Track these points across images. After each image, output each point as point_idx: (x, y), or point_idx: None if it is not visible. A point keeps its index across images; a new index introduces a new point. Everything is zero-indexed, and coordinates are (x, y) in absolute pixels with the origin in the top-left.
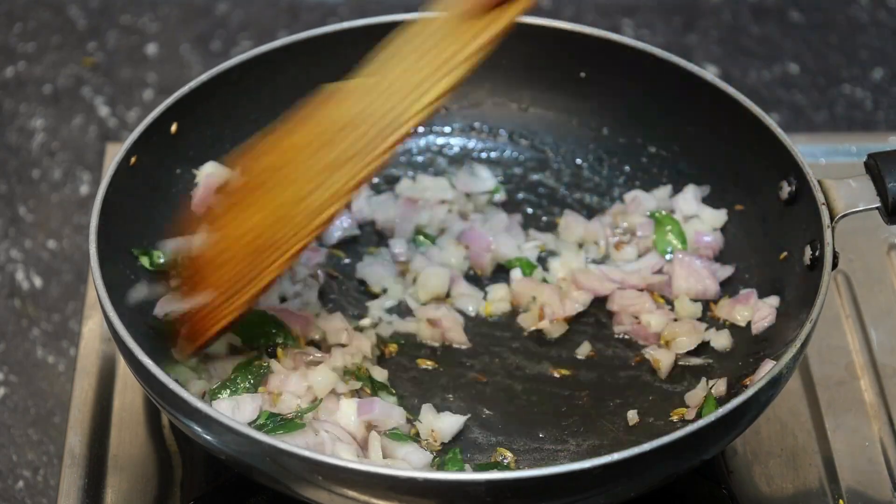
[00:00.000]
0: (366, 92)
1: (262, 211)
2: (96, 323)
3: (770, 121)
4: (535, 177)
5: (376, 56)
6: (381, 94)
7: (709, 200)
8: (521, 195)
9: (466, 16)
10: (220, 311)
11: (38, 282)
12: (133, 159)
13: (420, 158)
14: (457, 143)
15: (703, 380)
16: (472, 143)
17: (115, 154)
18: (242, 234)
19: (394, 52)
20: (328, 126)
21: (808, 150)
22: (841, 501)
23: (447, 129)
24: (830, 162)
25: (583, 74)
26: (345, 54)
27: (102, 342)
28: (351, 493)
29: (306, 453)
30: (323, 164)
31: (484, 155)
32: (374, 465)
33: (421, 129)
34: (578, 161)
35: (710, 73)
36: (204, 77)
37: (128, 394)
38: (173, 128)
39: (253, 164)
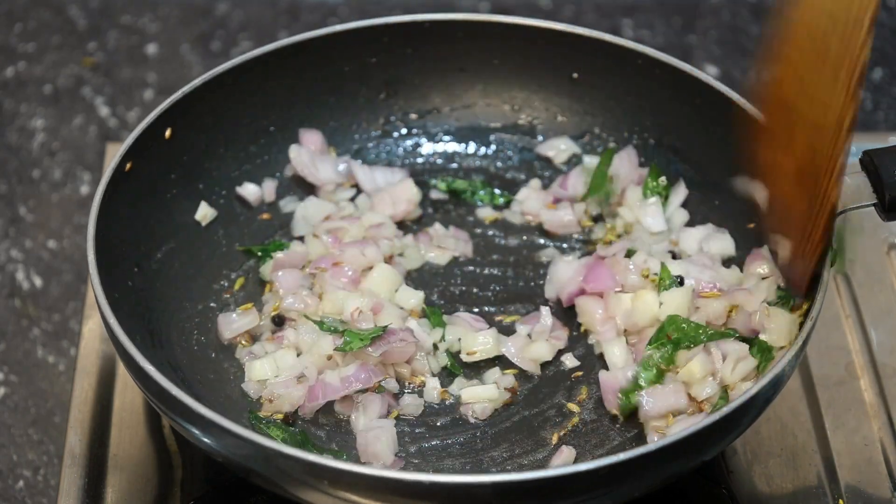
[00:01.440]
0: None
1: (797, 147)
2: (96, 323)
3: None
4: (522, 177)
5: None
6: None
7: (704, 199)
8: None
9: None
10: (806, 252)
11: (38, 282)
12: (129, 165)
13: (410, 161)
14: (449, 145)
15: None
16: (463, 145)
17: (114, 154)
18: (791, 177)
19: None
20: (814, 32)
21: None
22: (841, 501)
23: (439, 130)
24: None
25: (575, 75)
26: (345, 54)
27: (102, 342)
28: (355, 498)
29: (306, 456)
30: (827, 73)
31: (480, 154)
32: (378, 468)
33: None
34: (580, 160)
35: (703, 73)
36: (197, 82)
37: (128, 394)
38: (167, 133)
39: (771, 100)
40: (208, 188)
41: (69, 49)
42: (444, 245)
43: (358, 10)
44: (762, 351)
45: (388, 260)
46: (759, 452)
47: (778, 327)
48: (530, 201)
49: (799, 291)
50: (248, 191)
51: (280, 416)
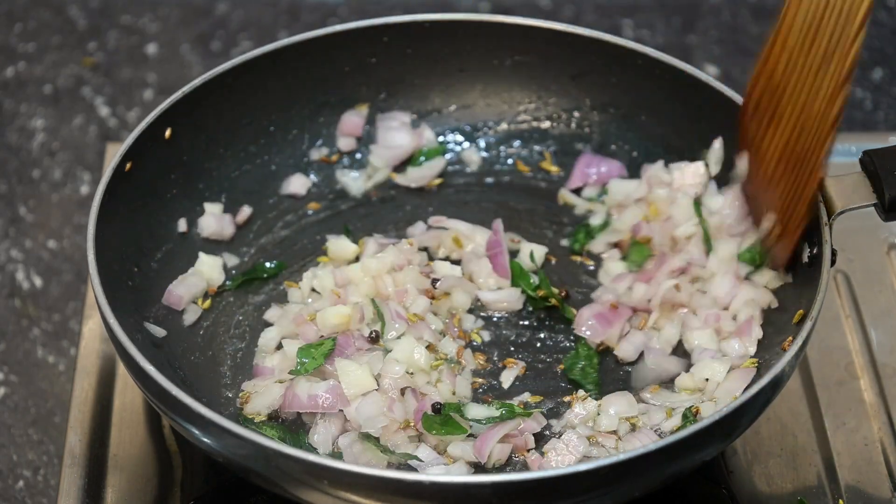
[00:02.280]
0: None
1: (784, 125)
2: (96, 323)
3: None
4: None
5: None
6: None
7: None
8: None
9: None
10: (788, 229)
11: (38, 282)
12: (128, 165)
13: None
14: (449, 144)
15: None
16: (464, 144)
17: (114, 154)
18: (777, 154)
19: None
20: (807, 23)
21: None
22: (841, 501)
23: (439, 130)
24: (830, 161)
25: (574, 74)
26: (345, 54)
27: (102, 342)
28: (355, 498)
29: (306, 456)
30: (817, 60)
31: (480, 155)
32: (378, 469)
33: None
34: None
35: (703, 73)
36: (197, 82)
37: (128, 394)
38: (167, 133)
39: (764, 83)
40: (208, 188)
41: (69, 49)
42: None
43: (358, 10)
44: None
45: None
46: (759, 452)
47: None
48: None
49: (779, 265)
50: (297, 184)
51: (261, 417)
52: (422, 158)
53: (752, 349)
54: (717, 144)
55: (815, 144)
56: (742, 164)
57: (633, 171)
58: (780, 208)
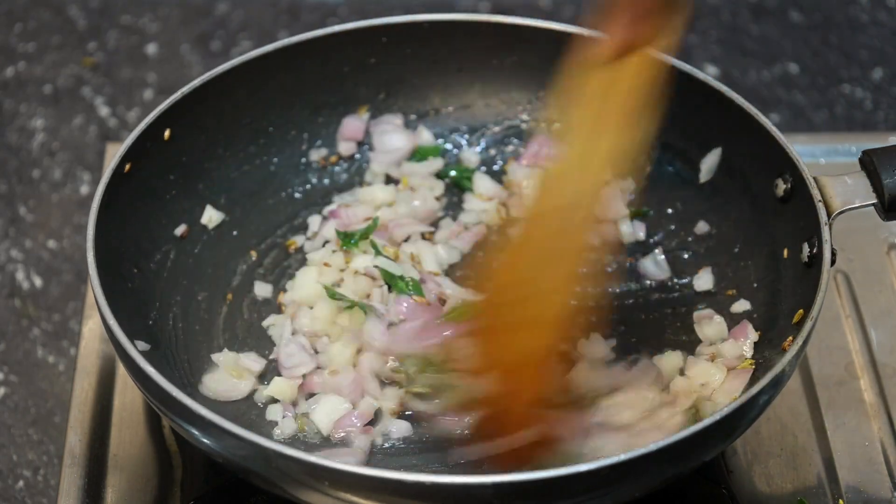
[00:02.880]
0: (564, 174)
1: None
2: (96, 323)
3: (763, 118)
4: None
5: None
6: (576, 171)
7: (702, 199)
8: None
9: (607, 64)
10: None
11: (38, 282)
12: (128, 166)
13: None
14: (448, 145)
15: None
16: (462, 145)
17: (114, 154)
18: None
19: (571, 123)
20: (548, 224)
21: (808, 151)
22: (841, 501)
23: (438, 131)
24: (830, 162)
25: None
26: (344, 55)
27: (102, 342)
28: (356, 498)
29: (306, 457)
30: (550, 253)
31: (479, 155)
32: (379, 469)
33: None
34: None
35: (701, 72)
36: (196, 82)
37: (128, 394)
38: (166, 134)
39: (495, 282)
40: (208, 189)
41: (69, 49)
42: None
43: (358, 10)
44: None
45: None
46: (759, 452)
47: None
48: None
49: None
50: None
51: None
52: (419, 155)
53: (749, 352)
54: (715, 155)
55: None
56: None
57: (633, 173)
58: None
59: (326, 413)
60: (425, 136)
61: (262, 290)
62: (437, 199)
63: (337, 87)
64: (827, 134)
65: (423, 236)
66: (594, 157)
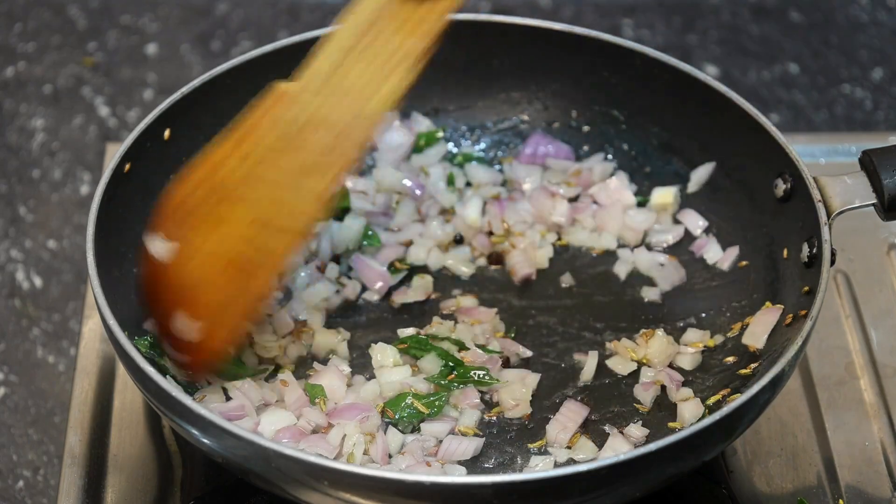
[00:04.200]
0: (317, 92)
1: (234, 224)
2: (96, 323)
3: (763, 118)
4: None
5: (318, 52)
6: (335, 93)
7: (701, 199)
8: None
9: (403, 3)
10: (213, 339)
11: (38, 282)
12: (127, 166)
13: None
14: (449, 145)
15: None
16: (463, 145)
17: (114, 154)
18: (217, 253)
19: (338, 47)
20: (286, 128)
21: (808, 151)
22: (841, 501)
23: (438, 131)
24: (830, 162)
25: (573, 75)
26: None
27: (102, 342)
28: (355, 498)
29: (306, 457)
30: (293, 167)
31: (478, 156)
32: (379, 469)
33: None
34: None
35: (701, 73)
36: (196, 83)
37: (128, 394)
38: (166, 134)
39: (210, 177)
40: None
41: (69, 49)
42: None
43: None
44: None
45: None
46: (759, 452)
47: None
48: None
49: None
50: None
51: None
52: (422, 143)
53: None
54: (707, 169)
55: (277, 253)
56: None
57: (632, 173)
58: (208, 316)
59: None
60: (423, 124)
61: None
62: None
63: None
64: (827, 134)
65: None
66: (364, 85)
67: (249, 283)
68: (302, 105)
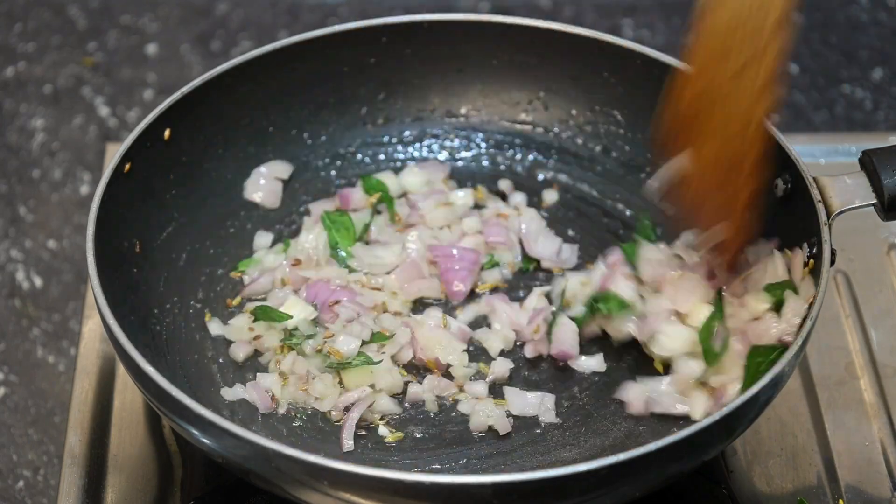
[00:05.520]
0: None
1: (710, 135)
2: (96, 323)
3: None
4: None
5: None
6: None
7: None
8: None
9: None
10: (727, 239)
11: (38, 282)
12: (127, 166)
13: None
14: (449, 144)
15: None
16: (461, 145)
17: (114, 154)
18: (708, 163)
19: None
20: (720, 36)
21: (808, 151)
22: (841, 501)
23: (438, 131)
24: (830, 162)
25: (573, 75)
26: (344, 55)
27: (102, 342)
28: (356, 498)
29: (306, 456)
30: (733, 70)
31: (477, 156)
32: (378, 469)
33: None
34: (581, 161)
35: None
36: (196, 82)
37: (128, 394)
38: (166, 134)
39: (681, 99)
40: (207, 189)
41: (69, 49)
42: None
43: (358, 11)
44: None
45: None
46: (759, 452)
47: None
48: None
49: (722, 281)
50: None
51: None
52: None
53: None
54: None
55: (748, 150)
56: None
57: (631, 173)
58: (716, 220)
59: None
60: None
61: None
62: None
63: (337, 88)
64: (827, 134)
65: None
66: None
67: (738, 184)
68: (724, 7)
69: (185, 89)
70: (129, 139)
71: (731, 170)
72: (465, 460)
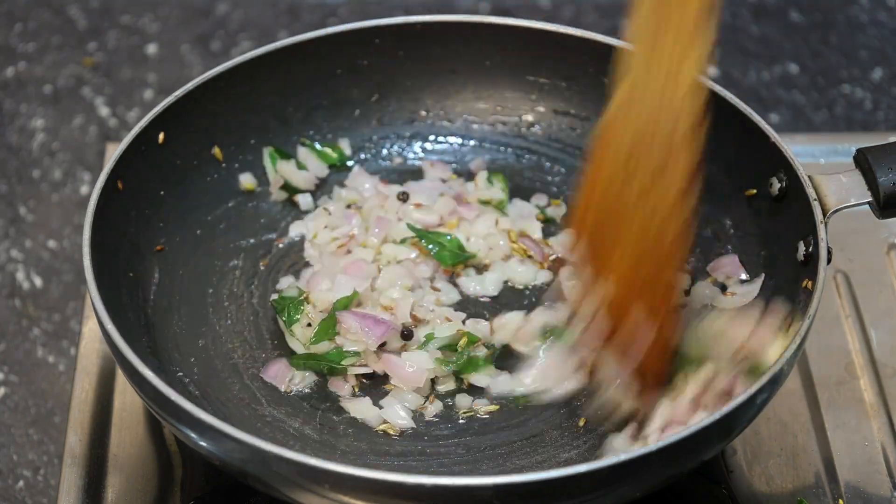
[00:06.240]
0: (628, 106)
1: (620, 258)
2: (96, 323)
3: (757, 117)
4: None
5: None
6: (642, 99)
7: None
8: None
9: None
10: (651, 353)
11: (38, 282)
12: (123, 169)
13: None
14: (443, 146)
15: None
16: (456, 147)
17: (112, 155)
18: (622, 284)
19: (631, 53)
20: (622, 157)
21: (808, 151)
22: (841, 501)
23: (431, 133)
24: (830, 162)
25: (568, 77)
26: (337, 57)
27: (102, 342)
28: (356, 501)
29: (306, 459)
30: (639, 189)
31: (465, 157)
32: (379, 472)
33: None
34: (573, 163)
35: None
36: (190, 86)
37: (128, 394)
38: (160, 137)
39: (582, 226)
40: (203, 191)
41: (69, 49)
42: None
43: (358, 11)
44: None
45: None
46: (759, 452)
47: None
48: None
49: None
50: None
51: None
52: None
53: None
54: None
55: (663, 269)
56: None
57: None
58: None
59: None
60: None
61: (262, 287)
62: None
63: (330, 90)
64: (827, 134)
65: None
66: (672, 63)
67: (657, 302)
68: (623, 129)
69: (179, 92)
70: (124, 143)
71: (645, 289)
72: (465, 461)
